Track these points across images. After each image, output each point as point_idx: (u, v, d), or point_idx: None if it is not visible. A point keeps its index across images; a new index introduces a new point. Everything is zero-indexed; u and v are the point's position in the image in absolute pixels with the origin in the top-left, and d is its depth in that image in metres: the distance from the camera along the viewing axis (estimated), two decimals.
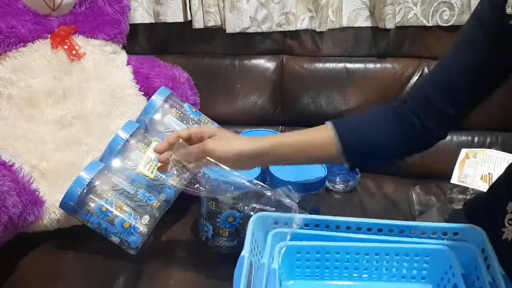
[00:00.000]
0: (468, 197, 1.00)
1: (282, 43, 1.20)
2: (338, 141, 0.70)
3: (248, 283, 0.61)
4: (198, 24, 1.16)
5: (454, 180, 1.04)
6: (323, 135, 0.71)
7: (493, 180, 0.98)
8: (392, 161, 0.77)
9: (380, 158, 0.76)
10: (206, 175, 0.82)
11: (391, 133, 0.71)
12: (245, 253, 0.64)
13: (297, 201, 0.71)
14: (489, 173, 1.04)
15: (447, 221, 0.82)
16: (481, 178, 1.03)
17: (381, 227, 0.72)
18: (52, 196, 0.89)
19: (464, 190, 1.02)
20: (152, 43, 1.23)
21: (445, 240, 0.70)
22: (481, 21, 0.64)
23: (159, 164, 0.72)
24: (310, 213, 0.83)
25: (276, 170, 0.86)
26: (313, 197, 0.83)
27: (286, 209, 0.70)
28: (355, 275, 0.73)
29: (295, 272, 0.73)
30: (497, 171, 1.03)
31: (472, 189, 1.01)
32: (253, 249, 0.68)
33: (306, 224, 0.72)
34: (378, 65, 1.19)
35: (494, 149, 1.10)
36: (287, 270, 0.72)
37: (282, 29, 1.17)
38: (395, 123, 0.71)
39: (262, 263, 0.66)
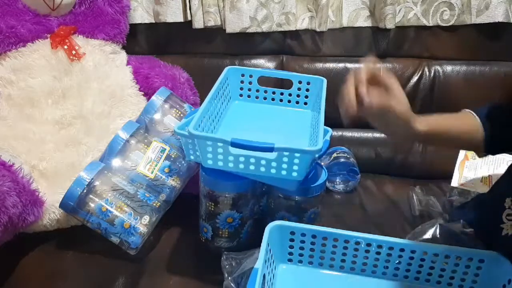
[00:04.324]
0: (469, 199, 1.00)
1: (282, 43, 1.20)
2: (481, 126, 0.76)
3: None
4: (198, 24, 1.16)
5: (454, 183, 1.04)
6: (470, 120, 0.78)
7: (493, 183, 0.98)
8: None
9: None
10: (205, 175, 0.82)
11: None
12: (258, 266, 0.64)
13: None
14: (489, 176, 1.03)
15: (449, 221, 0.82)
16: (481, 181, 1.03)
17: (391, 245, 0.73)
18: (52, 196, 0.89)
19: (464, 192, 1.02)
20: (152, 43, 1.23)
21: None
22: None
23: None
24: (310, 216, 0.84)
25: None
26: (313, 200, 0.83)
27: None
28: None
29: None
30: (497, 173, 1.03)
31: (474, 192, 1.00)
32: (267, 260, 0.69)
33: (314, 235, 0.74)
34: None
35: None
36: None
37: (282, 29, 1.17)
38: None
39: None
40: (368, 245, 0.73)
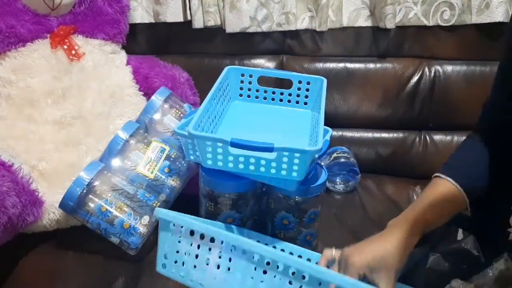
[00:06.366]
0: None
1: (282, 43, 1.20)
2: (461, 189, 0.69)
3: None
4: (197, 24, 1.16)
5: None
6: (446, 189, 0.70)
7: None
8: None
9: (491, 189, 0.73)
10: (205, 175, 0.82)
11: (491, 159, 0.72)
12: None
13: None
14: None
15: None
16: None
17: None
18: (51, 197, 0.89)
19: None
20: (152, 43, 1.23)
21: None
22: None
23: None
24: (310, 216, 0.84)
25: None
26: (313, 200, 0.83)
27: None
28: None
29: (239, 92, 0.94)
30: None
31: None
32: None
33: None
34: (378, 65, 1.19)
35: None
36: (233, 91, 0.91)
37: (282, 29, 1.17)
38: (488, 146, 0.73)
39: None
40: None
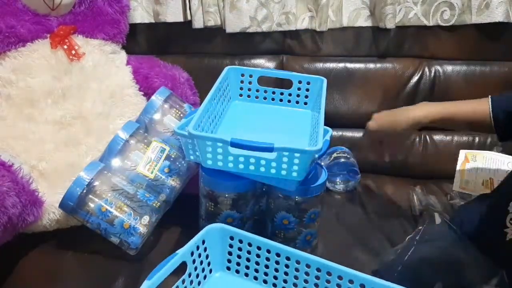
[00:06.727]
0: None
1: (282, 43, 1.20)
2: (492, 115, 0.83)
3: None
4: (197, 24, 1.16)
5: (456, 187, 1.04)
6: (480, 102, 0.85)
7: (495, 186, 0.98)
8: None
9: None
10: (205, 175, 0.82)
11: None
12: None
13: None
14: (490, 178, 1.03)
15: (450, 221, 0.82)
16: (483, 184, 1.03)
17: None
18: (51, 197, 0.89)
19: (466, 196, 1.01)
20: (152, 43, 1.23)
21: None
22: None
23: None
24: (310, 216, 0.84)
25: None
26: (313, 200, 0.83)
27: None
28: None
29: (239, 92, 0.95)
30: (498, 176, 1.03)
31: (476, 195, 1.00)
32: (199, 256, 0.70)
33: None
34: (378, 65, 1.19)
35: (495, 150, 1.09)
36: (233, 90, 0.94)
37: (282, 29, 1.17)
38: None
39: None
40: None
